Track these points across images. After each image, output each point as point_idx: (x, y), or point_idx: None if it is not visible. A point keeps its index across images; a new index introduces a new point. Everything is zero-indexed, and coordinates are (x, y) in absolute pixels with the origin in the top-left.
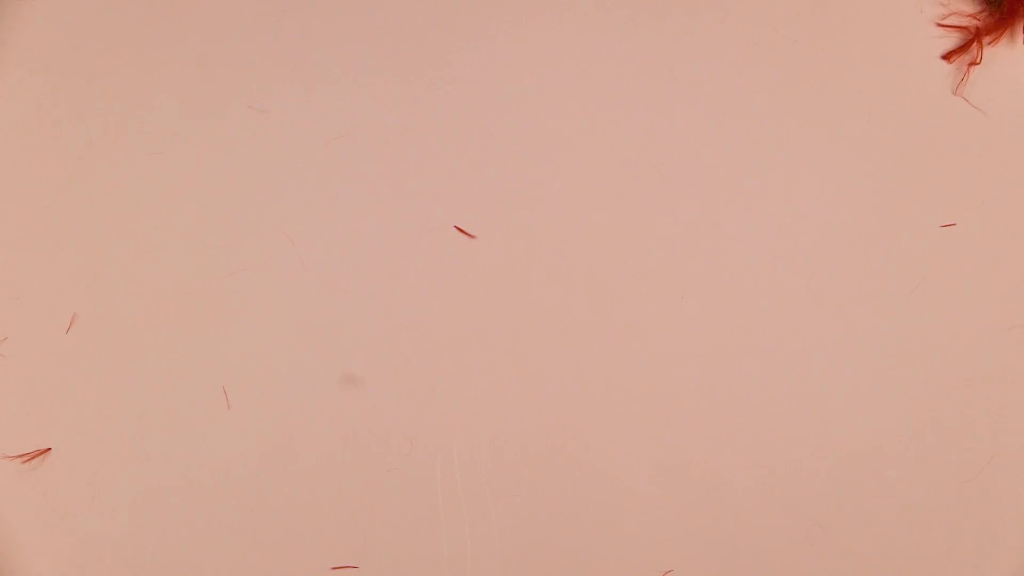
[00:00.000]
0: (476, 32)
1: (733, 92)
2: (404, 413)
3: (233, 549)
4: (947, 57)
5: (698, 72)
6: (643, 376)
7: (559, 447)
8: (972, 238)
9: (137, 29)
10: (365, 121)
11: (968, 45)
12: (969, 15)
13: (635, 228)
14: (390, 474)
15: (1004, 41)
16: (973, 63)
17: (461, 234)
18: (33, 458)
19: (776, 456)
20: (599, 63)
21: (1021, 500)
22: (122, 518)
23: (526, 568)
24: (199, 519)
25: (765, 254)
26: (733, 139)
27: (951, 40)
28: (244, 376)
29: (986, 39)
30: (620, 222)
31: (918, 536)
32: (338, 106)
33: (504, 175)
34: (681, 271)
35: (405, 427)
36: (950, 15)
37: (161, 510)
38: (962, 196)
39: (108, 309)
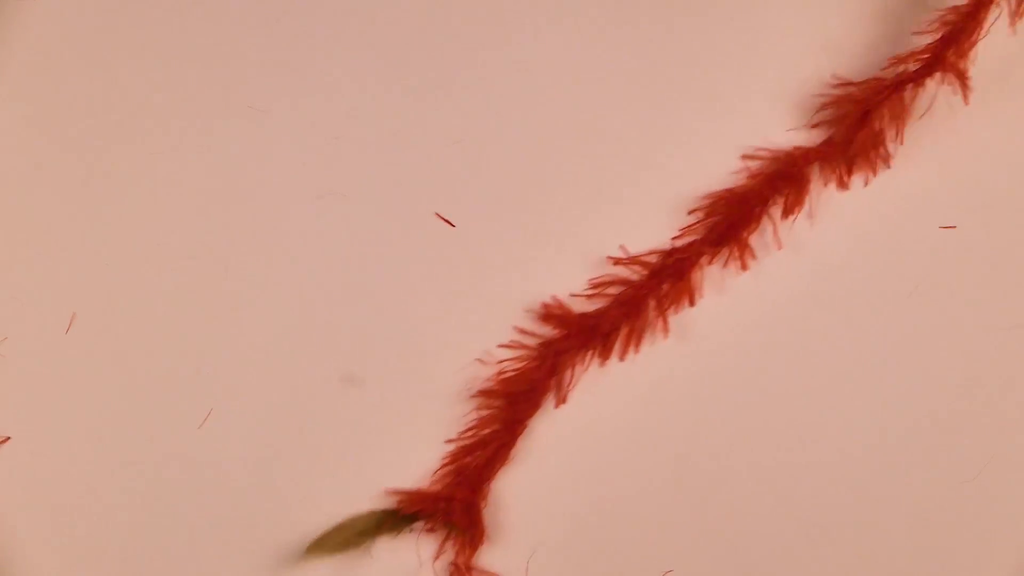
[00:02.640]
0: (477, 32)
1: (728, 91)
2: (404, 413)
3: (233, 549)
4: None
5: (697, 72)
6: (642, 375)
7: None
8: (972, 239)
9: (137, 29)
10: (365, 121)
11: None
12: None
13: (632, 225)
14: None
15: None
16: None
17: (463, 232)
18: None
19: (776, 456)
20: (601, 62)
21: (1021, 500)
22: (123, 518)
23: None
24: (199, 519)
25: (764, 254)
26: (731, 139)
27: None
28: (244, 375)
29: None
30: (619, 221)
31: (918, 536)
32: (338, 106)
33: (506, 175)
34: None
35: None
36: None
37: (161, 510)
38: (962, 197)
39: (108, 309)
